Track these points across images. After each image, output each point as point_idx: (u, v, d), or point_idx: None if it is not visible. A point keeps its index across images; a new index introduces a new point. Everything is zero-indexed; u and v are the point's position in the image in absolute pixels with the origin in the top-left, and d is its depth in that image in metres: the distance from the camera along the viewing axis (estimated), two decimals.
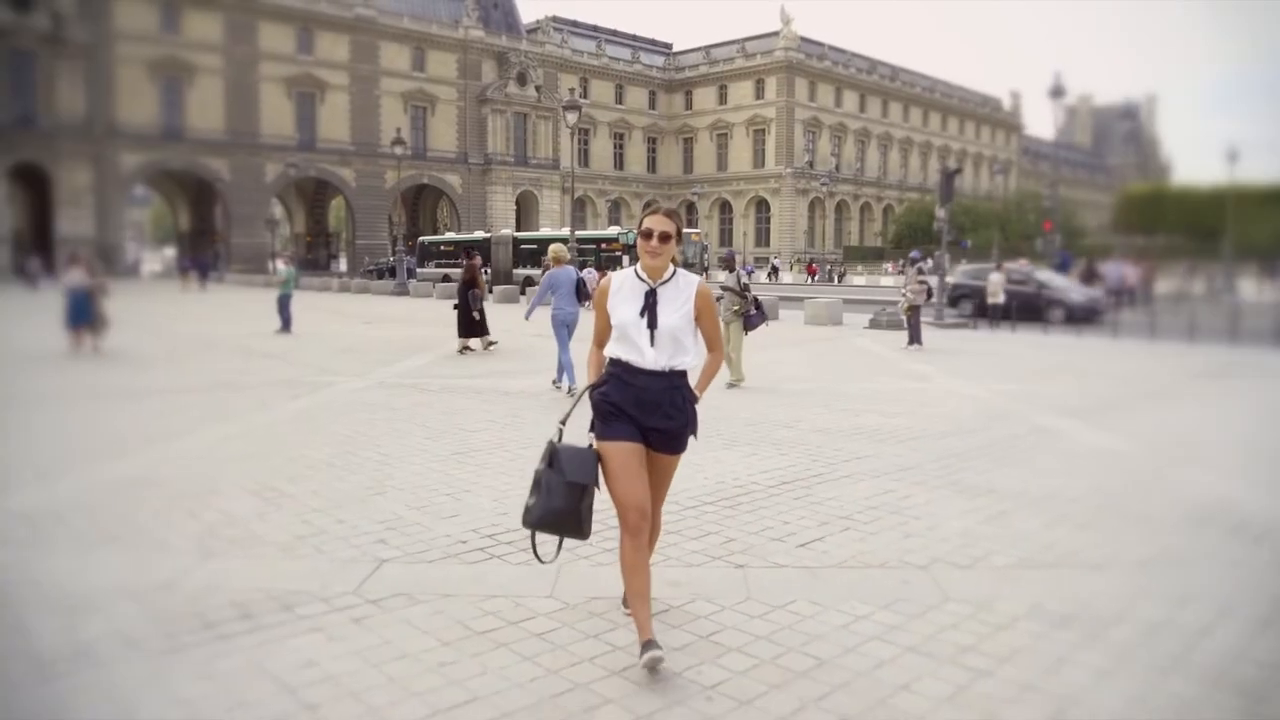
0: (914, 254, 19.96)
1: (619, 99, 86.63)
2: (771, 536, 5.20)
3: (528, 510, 3.49)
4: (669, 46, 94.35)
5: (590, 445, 3.56)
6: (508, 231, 51.48)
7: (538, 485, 3.47)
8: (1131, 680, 3.44)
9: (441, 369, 13.29)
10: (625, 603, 3.84)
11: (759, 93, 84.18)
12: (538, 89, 77.22)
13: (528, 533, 5.01)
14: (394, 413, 9.38)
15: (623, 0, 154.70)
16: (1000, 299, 22.19)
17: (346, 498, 6.00)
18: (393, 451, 7.46)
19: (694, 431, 3.72)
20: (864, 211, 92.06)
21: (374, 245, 68.87)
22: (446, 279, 41.90)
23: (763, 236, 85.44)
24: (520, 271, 39.68)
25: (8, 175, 51.38)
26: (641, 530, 3.46)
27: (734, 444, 7.76)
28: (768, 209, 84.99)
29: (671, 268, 3.66)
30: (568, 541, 3.70)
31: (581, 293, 11.73)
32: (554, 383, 11.15)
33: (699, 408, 3.74)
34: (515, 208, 77.65)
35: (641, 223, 3.60)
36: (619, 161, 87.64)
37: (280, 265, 15.87)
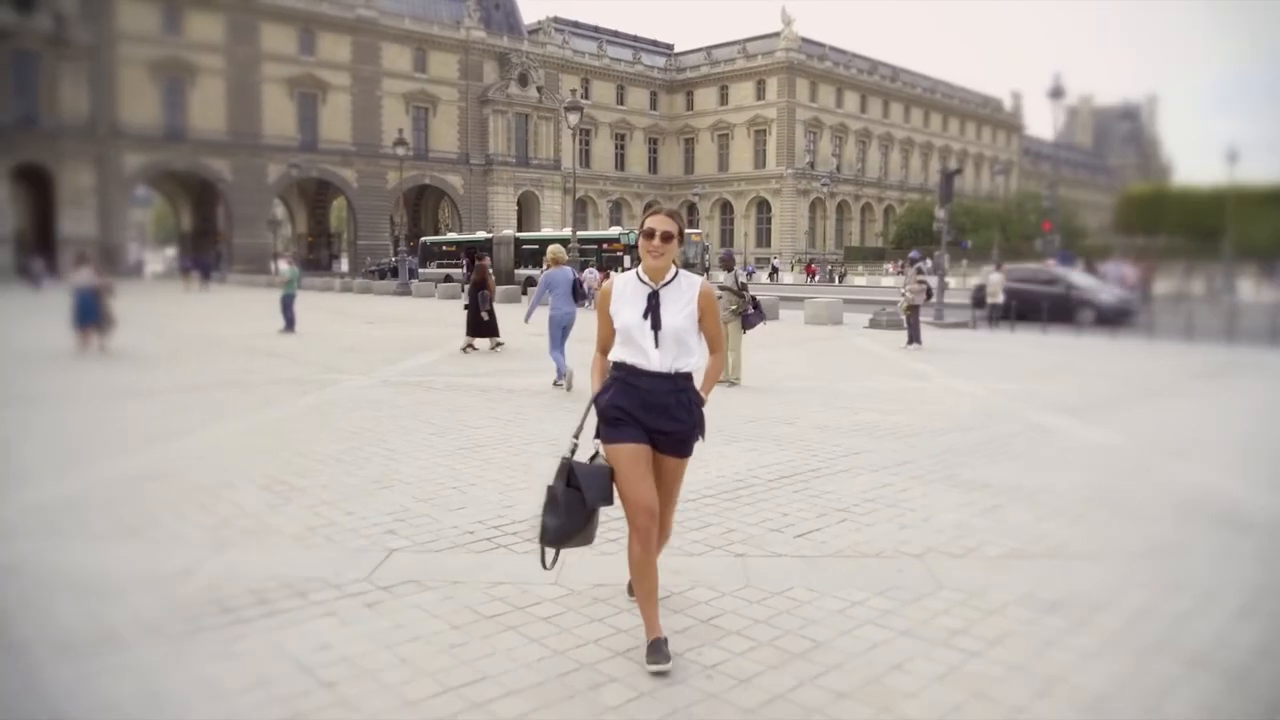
0: (913, 254, 20.11)
1: (620, 100, 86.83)
2: (770, 527, 5.34)
3: (545, 529, 3.50)
4: (670, 47, 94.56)
5: (597, 454, 3.56)
6: (509, 232, 51.63)
7: (554, 503, 3.46)
8: (1116, 662, 3.58)
9: (445, 367, 13.43)
10: (630, 591, 3.97)
11: (760, 93, 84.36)
12: (539, 90, 77.42)
13: (532, 523, 5.21)
14: (399, 410, 9.52)
15: (624, 1, 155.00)
16: (1000, 299, 22.32)
17: (355, 491, 6.14)
18: (399, 447, 7.60)
19: (701, 433, 3.70)
20: (865, 212, 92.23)
21: (375, 246, 69.04)
22: (448, 279, 42.06)
23: (764, 237, 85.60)
24: (522, 272, 39.81)
25: (10, 176, 51.55)
26: (650, 531, 3.48)
27: (735, 440, 7.90)
28: (769, 209, 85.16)
29: (673, 269, 3.63)
30: None
31: (578, 292, 11.89)
32: (555, 383, 11.28)
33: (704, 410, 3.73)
34: (517, 208, 77.86)
35: (643, 223, 3.60)
36: (620, 162, 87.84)
37: (283, 265, 16.00)
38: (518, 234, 48.92)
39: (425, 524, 5.38)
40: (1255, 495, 6.35)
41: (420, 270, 47.86)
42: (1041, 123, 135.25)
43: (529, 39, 79.18)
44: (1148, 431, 8.69)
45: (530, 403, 10.17)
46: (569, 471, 3.47)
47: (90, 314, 14.84)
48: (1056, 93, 29.87)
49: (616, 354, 3.62)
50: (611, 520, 4.68)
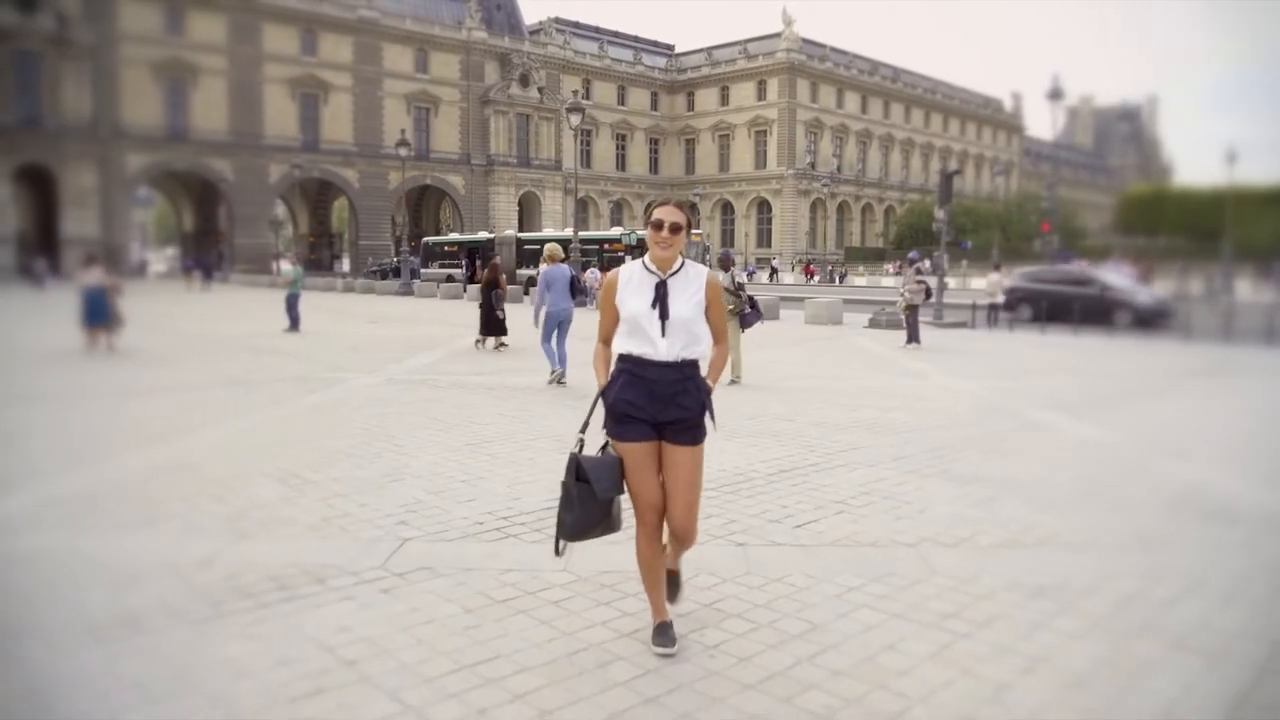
0: (912, 255, 20.28)
1: (621, 100, 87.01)
2: (770, 519, 5.51)
3: (562, 524, 3.56)
4: (671, 48, 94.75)
5: (607, 445, 3.60)
6: (511, 232, 51.83)
7: (568, 499, 3.52)
8: (1100, 644, 3.75)
9: (450, 366, 13.60)
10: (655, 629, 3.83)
11: (761, 94, 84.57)
12: (540, 90, 77.62)
13: (541, 514, 5.39)
14: (406, 407, 9.69)
15: (625, 1, 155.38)
16: (999, 299, 22.49)
17: (367, 484, 6.30)
18: (407, 443, 7.76)
19: (712, 419, 3.68)
20: (865, 212, 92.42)
21: (377, 246, 69.22)
22: (450, 279, 42.25)
23: (764, 237, 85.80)
24: (524, 271, 40.00)
25: (13, 176, 51.70)
26: (656, 527, 3.59)
27: (735, 436, 8.06)
28: (769, 210, 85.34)
29: (680, 259, 3.66)
30: None
31: (575, 289, 12.10)
32: (556, 379, 11.47)
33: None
34: (518, 209, 78.05)
35: (651, 214, 3.63)
36: (621, 163, 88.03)
37: (286, 265, 16.17)
38: (519, 234, 49.11)
39: (436, 515, 5.55)
40: (1243, 490, 6.51)
41: (422, 270, 48.06)
42: (1042, 123, 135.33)
43: (530, 40, 79.36)
44: (1141, 429, 8.86)
45: (535, 400, 10.34)
46: (578, 466, 3.52)
47: (99, 314, 15.01)
48: (1055, 94, 30.06)
49: (622, 345, 3.62)
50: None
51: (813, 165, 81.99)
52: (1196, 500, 6.12)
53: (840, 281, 60.33)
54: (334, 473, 6.63)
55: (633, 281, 3.63)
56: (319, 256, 77.20)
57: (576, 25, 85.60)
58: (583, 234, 35.97)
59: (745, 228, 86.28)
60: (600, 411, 3.66)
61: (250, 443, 7.81)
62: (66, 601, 4.17)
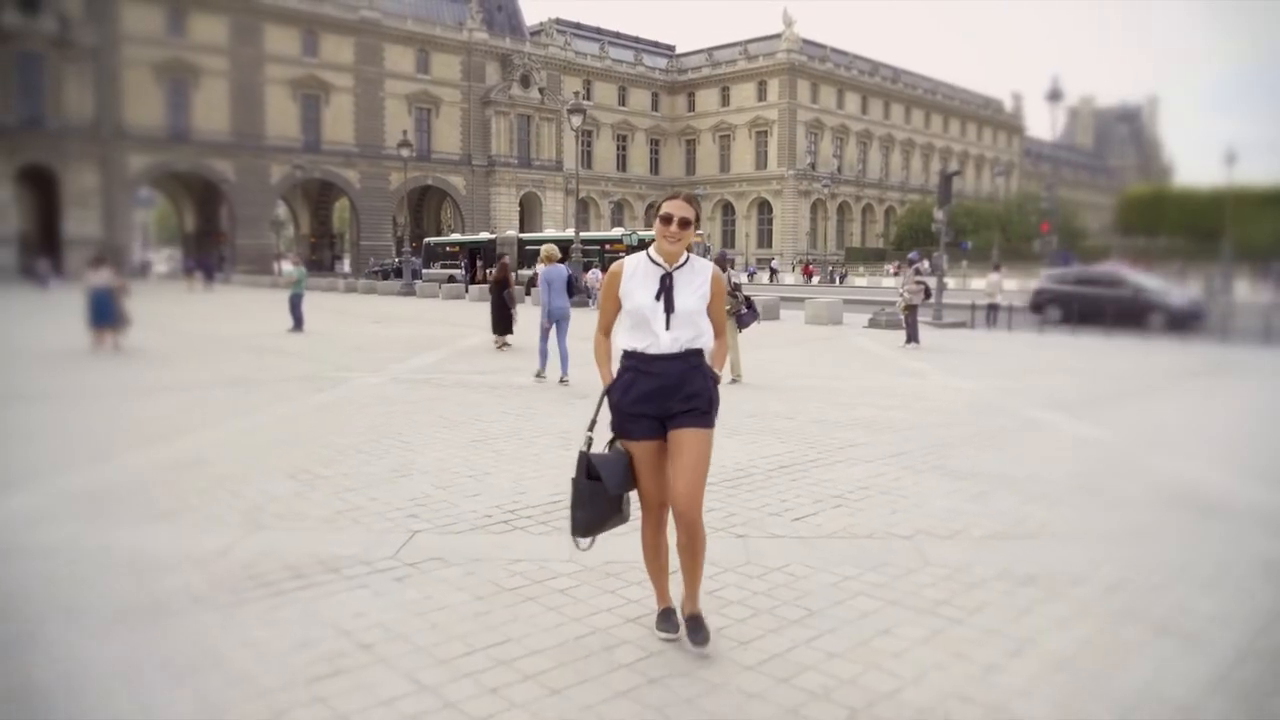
0: (911, 255, 20.45)
1: (622, 101, 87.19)
2: (770, 512, 5.67)
3: (575, 522, 3.61)
4: (672, 49, 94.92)
5: (615, 443, 3.64)
6: (513, 233, 52.05)
7: (579, 496, 3.57)
8: (1085, 627, 3.91)
9: (454, 365, 13.75)
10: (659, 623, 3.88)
11: (761, 94, 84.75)
12: (541, 91, 77.81)
13: (547, 508, 5.55)
14: (412, 405, 9.85)
15: (626, 2, 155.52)
16: (998, 299, 22.64)
17: (376, 479, 6.46)
18: (414, 440, 7.92)
19: (715, 411, 3.66)
20: (866, 213, 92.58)
21: (378, 246, 69.39)
22: (452, 280, 42.45)
23: (765, 238, 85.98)
24: (525, 272, 40.18)
25: (15, 177, 51.89)
26: (662, 519, 3.68)
27: (736, 433, 8.22)
28: (770, 210, 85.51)
29: (685, 253, 3.67)
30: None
31: (572, 289, 12.32)
32: (537, 374, 11.76)
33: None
34: (519, 209, 78.25)
35: (660, 208, 3.64)
36: (622, 163, 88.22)
37: (288, 266, 16.34)
38: (521, 235, 49.29)
39: (445, 509, 5.70)
40: (1233, 485, 6.66)
41: (424, 271, 48.26)
42: (1042, 124, 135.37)
43: (531, 40, 79.55)
44: (1135, 426, 9.01)
45: (539, 398, 10.50)
46: (588, 463, 3.56)
47: (107, 314, 15.16)
48: (1054, 95, 30.26)
49: (625, 341, 3.64)
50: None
51: (813, 166, 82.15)
52: (1186, 495, 6.28)
53: (840, 282, 60.51)
54: (343, 468, 6.79)
55: (637, 274, 3.63)
56: (320, 257, 77.33)
57: (578, 26, 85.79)
58: (584, 234, 36.15)
59: (746, 228, 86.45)
60: (606, 409, 3.69)
61: (259, 440, 7.97)
62: (93, 589, 4.32)
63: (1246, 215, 34.45)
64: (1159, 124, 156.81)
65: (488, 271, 42.77)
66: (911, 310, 17.12)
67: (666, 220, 3.60)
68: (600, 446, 3.68)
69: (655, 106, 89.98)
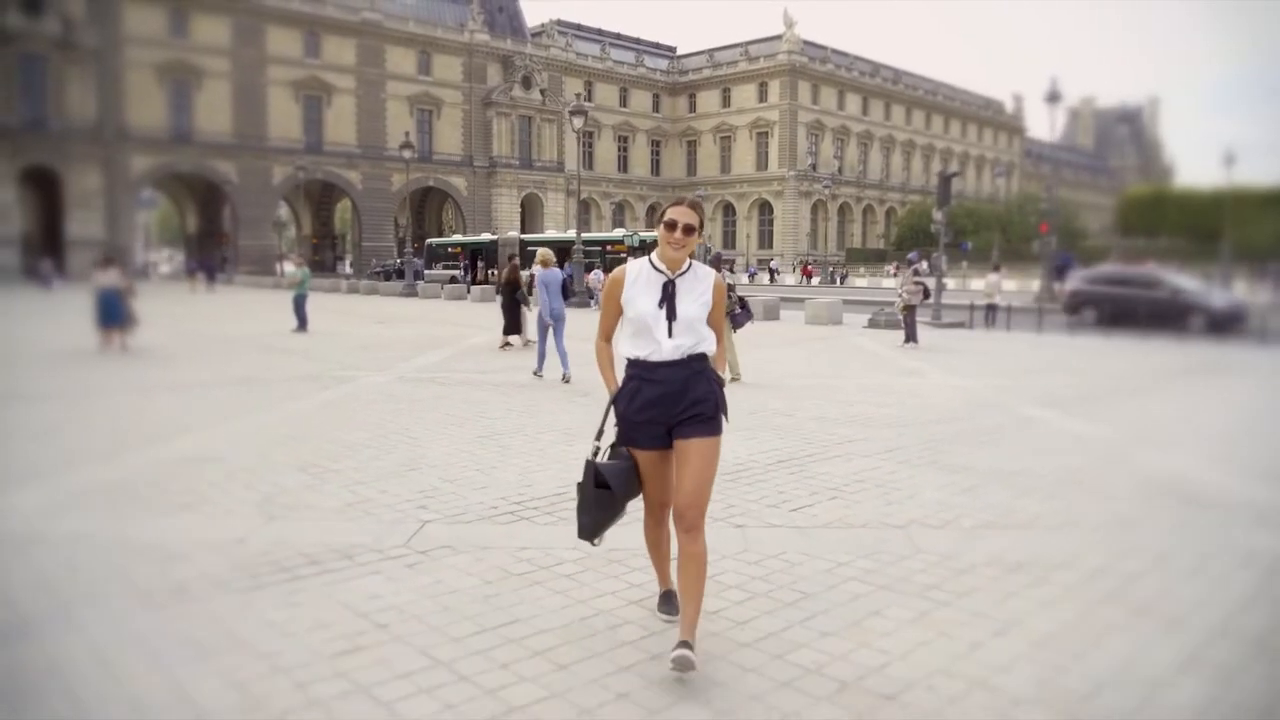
0: (911, 256, 20.61)
1: (623, 102, 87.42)
2: (768, 504, 5.85)
3: (582, 526, 3.64)
4: (673, 50, 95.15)
5: (621, 450, 3.64)
6: (514, 234, 52.24)
7: (586, 502, 3.59)
8: (1067, 610, 4.09)
9: (458, 364, 13.93)
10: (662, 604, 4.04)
11: (762, 95, 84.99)
12: (542, 92, 78.05)
13: (552, 500, 5.73)
14: (418, 403, 10.03)
15: (627, 3, 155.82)
16: (996, 299, 22.81)
17: (385, 473, 6.64)
18: (422, 436, 8.10)
19: (725, 413, 3.66)
20: (867, 214, 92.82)
21: (380, 247, 69.62)
22: (454, 280, 42.64)
23: (766, 239, 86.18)
24: (528, 272, 40.41)
25: (18, 178, 52.11)
26: (664, 516, 3.74)
27: (735, 429, 8.36)
28: (771, 211, 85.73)
29: (688, 260, 3.63)
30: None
31: (567, 291, 12.57)
32: (535, 372, 12.00)
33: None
34: (520, 210, 78.49)
35: (664, 214, 3.60)
36: (623, 164, 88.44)
37: (290, 266, 16.58)
38: (522, 236, 49.49)
39: (453, 500, 5.89)
40: (1218, 479, 6.84)
41: (425, 271, 48.47)
42: (1043, 125, 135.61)
43: (532, 42, 79.80)
44: (1127, 423, 9.19)
45: (542, 396, 10.69)
46: (595, 472, 3.56)
47: (115, 314, 15.34)
48: (1053, 97, 30.38)
49: (628, 349, 3.61)
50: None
51: (814, 167, 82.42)
52: (1173, 488, 6.46)
53: (841, 282, 60.67)
54: (352, 463, 6.97)
55: (640, 281, 3.60)
56: (322, 258, 77.58)
57: (579, 27, 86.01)
58: (585, 235, 36.35)
59: (747, 229, 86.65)
60: (613, 418, 3.71)
61: (270, 436, 8.15)
62: (116, 575, 4.51)
63: (1246, 216, 34.55)
64: (1159, 124, 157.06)
65: (490, 272, 43.22)
66: (910, 310, 17.30)
67: (671, 226, 3.56)
68: (605, 450, 3.69)
69: (656, 108, 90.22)
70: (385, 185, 71.10)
